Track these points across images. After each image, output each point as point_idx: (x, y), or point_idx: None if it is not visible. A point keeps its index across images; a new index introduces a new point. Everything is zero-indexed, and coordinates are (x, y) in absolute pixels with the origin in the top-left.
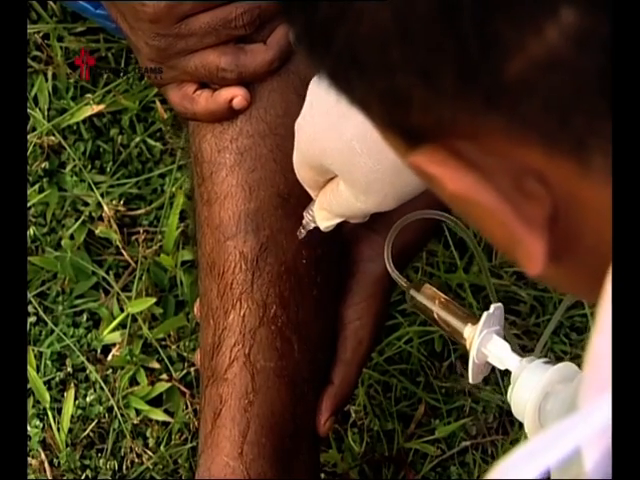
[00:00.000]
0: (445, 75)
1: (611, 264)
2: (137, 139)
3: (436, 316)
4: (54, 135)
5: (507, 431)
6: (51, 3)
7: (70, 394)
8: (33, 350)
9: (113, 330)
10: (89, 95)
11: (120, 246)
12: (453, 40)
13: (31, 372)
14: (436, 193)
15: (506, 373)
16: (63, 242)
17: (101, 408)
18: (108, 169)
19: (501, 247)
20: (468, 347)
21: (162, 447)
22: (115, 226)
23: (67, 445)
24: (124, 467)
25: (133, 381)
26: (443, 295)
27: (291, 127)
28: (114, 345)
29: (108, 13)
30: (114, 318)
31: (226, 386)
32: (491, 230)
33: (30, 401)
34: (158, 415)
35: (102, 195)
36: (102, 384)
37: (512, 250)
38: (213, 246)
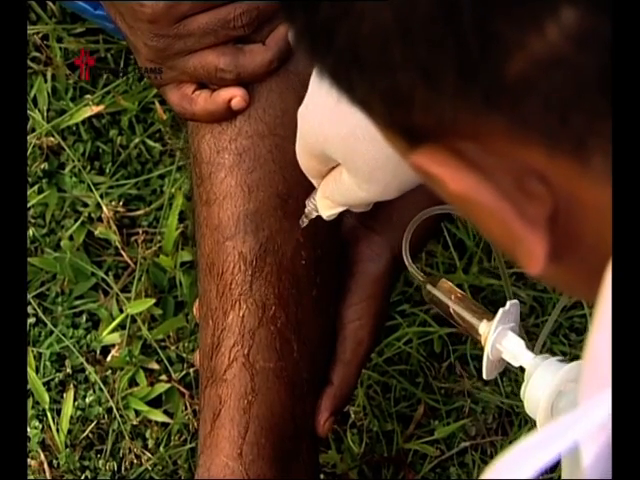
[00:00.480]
0: (446, 74)
1: (609, 263)
2: (136, 140)
3: (452, 311)
4: (53, 136)
5: (506, 432)
6: (50, 4)
7: (69, 395)
8: (32, 351)
9: (112, 331)
10: (88, 96)
11: (119, 247)
12: (454, 39)
13: (30, 373)
14: (437, 192)
15: (522, 370)
16: (62, 243)
17: (100, 409)
18: (107, 170)
19: (501, 246)
20: (483, 343)
21: (161, 448)
22: (114, 227)
23: (66, 446)
24: (123, 468)
25: (132, 382)
26: (459, 290)
27: (290, 127)
28: (113, 346)
29: (107, 14)
30: (113, 319)
31: (225, 387)
32: (492, 229)
33: (29, 402)
34: (157, 416)
35: (101, 196)
36: (101, 385)
37: (512, 249)
38: (212, 247)
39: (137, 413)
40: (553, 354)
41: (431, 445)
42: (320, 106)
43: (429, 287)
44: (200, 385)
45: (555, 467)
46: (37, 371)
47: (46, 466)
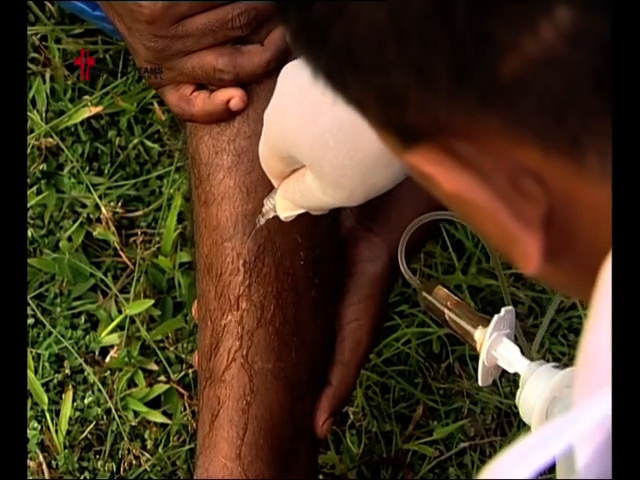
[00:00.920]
0: (440, 74)
1: (604, 264)
2: (135, 141)
3: (447, 317)
4: (52, 137)
5: (505, 432)
6: (49, 5)
7: (68, 396)
8: (31, 352)
9: (111, 332)
10: (87, 97)
11: (118, 248)
12: (448, 39)
13: (29, 374)
14: (432, 193)
15: (517, 376)
16: (61, 244)
17: (99, 410)
18: (106, 171)
19: (497, 246)
20: (478, 349)
21: (160, 449)
22: (113, 228)
23: (65, 447)
24: (122, 469)
25: (131, 383)
26: (455, 297)
27: None
28: (112, 347)
29: (105, 15)
30: (112, 320)
31: (224, 387)
32: (487, 229)
33: (28, 403)
34: (156, 417)
35: (100, 197)
36: (100, 386)
37: (508, 249)
38: (211, 247)
39: (136, 414)
40: (552, 355)
41: (430, 446)
42: (289, 109)
43: (424, 294)
44: (199, 386)
45: (552, 468)
46: (36, 372)
47: (45, 467)
